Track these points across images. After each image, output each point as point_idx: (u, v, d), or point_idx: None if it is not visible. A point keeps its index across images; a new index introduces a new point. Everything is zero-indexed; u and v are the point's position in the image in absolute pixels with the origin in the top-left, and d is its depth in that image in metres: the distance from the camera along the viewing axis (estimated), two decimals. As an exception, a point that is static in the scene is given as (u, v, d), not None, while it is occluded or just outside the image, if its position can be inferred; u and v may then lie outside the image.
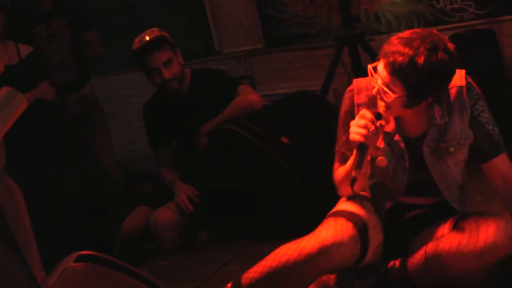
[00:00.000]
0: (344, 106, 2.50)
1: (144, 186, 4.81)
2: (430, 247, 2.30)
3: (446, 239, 2.27)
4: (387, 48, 2.18)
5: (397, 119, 2.39)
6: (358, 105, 2.42)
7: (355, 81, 2.50)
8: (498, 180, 2.39)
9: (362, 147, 2.25)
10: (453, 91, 2.34)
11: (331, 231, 2.30)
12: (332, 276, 2.49)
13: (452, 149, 2.36)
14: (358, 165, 2.26)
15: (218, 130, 3.56)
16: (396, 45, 2.15)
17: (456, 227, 2.33)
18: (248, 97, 3.67)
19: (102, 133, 4.66)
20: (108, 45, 4.75)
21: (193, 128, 3.63)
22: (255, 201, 3.40)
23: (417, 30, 2.20)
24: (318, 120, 3.66)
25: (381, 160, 2.41)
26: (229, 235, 3.50)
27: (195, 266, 3.31)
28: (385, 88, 2.21)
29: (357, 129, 2.25)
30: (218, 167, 3.55)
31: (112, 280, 2.13)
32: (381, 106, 2.30)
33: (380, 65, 2.22)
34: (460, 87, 2.33)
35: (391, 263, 2.42)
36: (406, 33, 2.18)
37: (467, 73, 2.37)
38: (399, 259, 2.41)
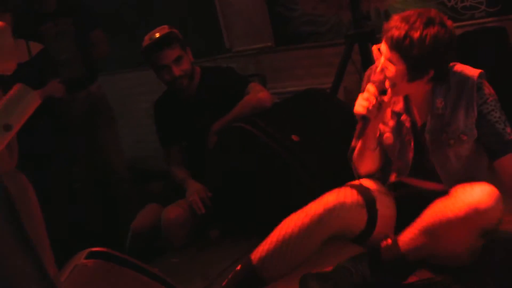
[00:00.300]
0: (363, 83, 2.61)
1: (155, 184, 4.82)
2: (419, 218, 2.36)
3: (433, 205, 2.33)
4: (386, 25, 2.33)
5: (406, 102, 2.51)
6: (374, 82, 2.51)
7: (377, 60, 2.60)
8: (506, 178, 2.41)
9: (364, 119, 2.40)
10: (462, 85, 2.40)
11: (334, 194, 2.48)
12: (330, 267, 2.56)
13: (451, 141, 2.43)
14: (358, 135, 2.41)
15: (228, 128, 3.56)
16: (394, 21, 2.30)
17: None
18: (258, 95, 3.66)
19: (110, 131, 4.67)
20: (118, 43, 4.76)
21: (203, 126, 3.63)
22: (265, 199, 3.40)
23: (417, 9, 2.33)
24: (329, 118, 3.65)
25: (388, 137, 2.55)
26: (239, 233, 3.50)
27: (205, 263, 3.31)
28: (387, 63, 2.33)
29: (360, 102, 2.40)
30: (228, 165, 3.55)
31: (122, 277, 2.14)
32: (387, 84, 2.40)
33: (383, 44, 2.36)
34: (471, 84, 2.38)
35: (383, 243, 2.45)
36: (405, 12, 2.32)
37: (481, 72, 2.40)
38: (390, 238, 2.45)
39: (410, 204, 2.51)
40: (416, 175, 2.55)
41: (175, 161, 3.77)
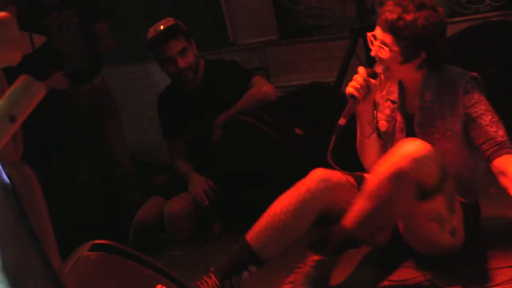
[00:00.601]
0: None
1: (158, 176, 4.81)
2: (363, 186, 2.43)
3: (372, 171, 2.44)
4: (381, 9, 2.44)
5: (401, 92, 2.60)
6: (364, 65, 2.66)
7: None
8: (502, 179, 2.42)
9: (352, 98, 2.53)
10: (451, 83, 2.47)
11: (321, 170, 2.58)
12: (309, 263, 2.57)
13: (437, 136, 2.50)
14: (346, 114, 2.53)
15: (232, 121, 3.56)
16: (388, 5, 2.42)
17: None
18: (262, 88, 3.66)
19: (114, 123, 4.66)
20: (122, 36, 4.75)
21: (207, 120, 3.63)
22: (268, 192, 3.40)
23: None
24: (332, 111, 3.64)
25: (382, 124, 2.68)
26: (242, 226, 3.50)
27: (208, 256, 3.31)
28: (380, 45, 2.44)
29: (351, 82, 2.53)
30: (232, 158, 3.55)
31: (126, 270, 2.14)
32: (379, 67, 2.51)
33: (377, 28, 2.46)
34: (460, 84, 2.45)
35: (333, 227, 2.47)
36: None
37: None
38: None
39: None
40: None
41: (179, 155, 3.77)
